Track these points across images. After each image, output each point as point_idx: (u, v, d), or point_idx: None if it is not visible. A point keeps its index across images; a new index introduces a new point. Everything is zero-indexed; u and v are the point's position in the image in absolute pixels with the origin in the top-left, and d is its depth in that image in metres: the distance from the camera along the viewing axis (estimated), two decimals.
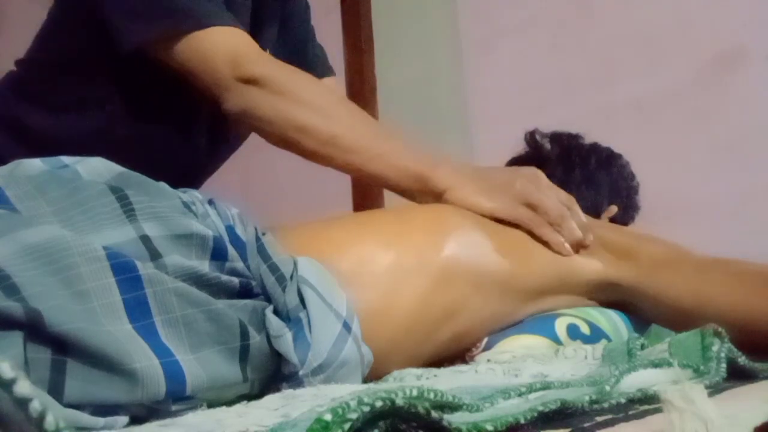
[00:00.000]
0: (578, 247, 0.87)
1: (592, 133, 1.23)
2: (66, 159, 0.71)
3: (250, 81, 0.92)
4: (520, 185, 0.88)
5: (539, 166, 1.08)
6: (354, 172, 0.94)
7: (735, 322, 0.63)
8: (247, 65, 0.93)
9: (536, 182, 0.89)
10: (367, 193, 2.10)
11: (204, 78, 0.94)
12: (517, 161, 1.19)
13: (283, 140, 0.94)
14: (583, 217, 0.89)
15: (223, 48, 0.94)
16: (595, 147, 1.21)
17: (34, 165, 0.70)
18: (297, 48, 1.24)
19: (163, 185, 0.72)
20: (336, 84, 1.30)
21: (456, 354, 0.84)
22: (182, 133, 1.05)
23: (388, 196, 1.00)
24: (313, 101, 0.93)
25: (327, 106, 0.94)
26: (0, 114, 1.07)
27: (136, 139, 1.03)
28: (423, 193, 0.90)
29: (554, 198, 0.88)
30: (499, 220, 0.87)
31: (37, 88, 1.06)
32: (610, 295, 0.88)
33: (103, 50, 0.97)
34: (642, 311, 0.87)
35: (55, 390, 0.53)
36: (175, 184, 0.74)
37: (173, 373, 0.57)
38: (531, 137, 1.23)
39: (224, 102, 0.94)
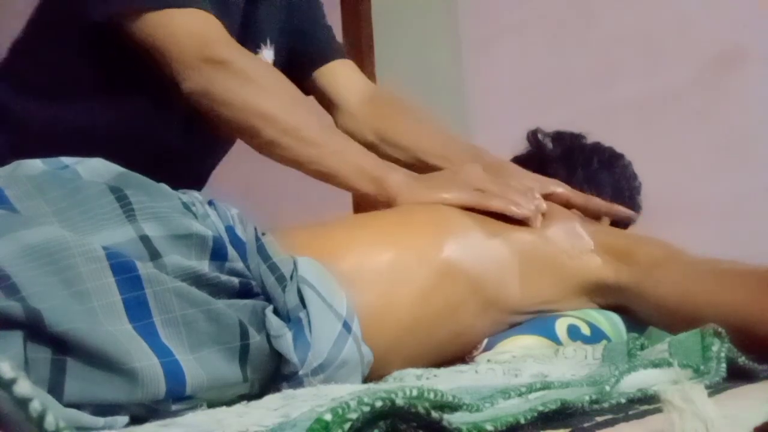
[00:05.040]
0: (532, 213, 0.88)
1: (592, 133, 1.22)
2: (66, 159, 0.72)
3: (215, 62, 0.91)
4: (463, 176, 0.91)
5: (541, 166, 1.08)
6: (310, 165, 0.92)
7: (717, 321, 0.63)
8: (215, 47, 0.92)
9: (476, 172, 0.92)
10: (367, 196, 2.10)
11: (169, 56, 0.92)
12: (518, 160, 1.19)
13: (242, 126, 0.93)
14: (517, 194, 0.90)
15: (192, 28, 0.93)
16: (597, 147, 1.21)
17: (35, 165, 0.70)
18: (303, 32, 1.21)
19: (163, 186, 0.72)
20: (349, 66, 1.24)
21: (456, 356, 0.84)
22: (157, 115, 1.03)
23: None
24: (277, 91, 0.93)
25: (289, 98, 0.94)
26: None
27: (112, 125, 1.02)
28: (377, 196, 0.92)
29: (494, 183, 0.91)
30: (501, 222, 0.87)
31: (20, 72, 1.06)
32: (610, 299, 0.88)
33: (79, 28, 0.97)
34: (637, 313, 0.87)
35: (55, 390, 0.53)
36: (162, 179, 0.74)
37: (173, 372, 0.57)
38: (533, 136, 1.23)
39: (185, 81, 0.92)
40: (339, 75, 1.21)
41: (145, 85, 0.99)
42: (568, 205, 0.98)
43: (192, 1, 0.94)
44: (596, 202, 1.00)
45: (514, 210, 0.87)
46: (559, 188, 0.99)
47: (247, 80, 0.92)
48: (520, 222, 0.88)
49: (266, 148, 0.93)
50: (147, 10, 0.92)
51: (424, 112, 1.18)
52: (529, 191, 0.91)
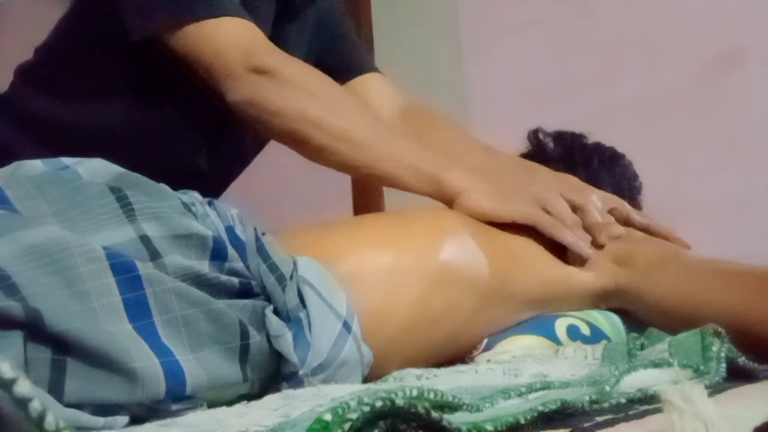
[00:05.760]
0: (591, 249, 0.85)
1: (592, 133, 1.23)
2: (66, 160, 0.72)
3: (261, 71, 0.90)
4: (536, 189, 0.87)
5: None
6: (363, 170, 0.89)
7: (716, 321, 0.63)
8: (259, 55, 0.91)
9: (551, 186, 0.88)
10: (367, 197, 2.10)
11: (213, 67, 0.91)
12: None
13: (291, 134, 0.90)
14: (598, 217, 0.88)
15: (235, 38, 0.92)
16: (598, 147, 1.21)
17: (35, 166, 0.70)
18: (330, 48, 1.18)
19: (163, 186, 0.72)
20: (379, 80, 1.19)
21: (456, 356, 0.84)
22: (184, 130, 1.04)
23: (389, 199, 0.99)
24: (325, 96, 0.91)
25: (338, 102, 0.92)
26: (7, 102, 1.06)
27: (138, 132, 1.01)
28: (435, 196, 0.88)
29: (567, 206, 0.87)
30: (502, 226, 0.86)
31: (47, 75, 1.05)
32: (610, 303, 0.88)
33: (113, 38, 0.96)
34: (637, 314, 0.87)
35: (55, 390, 0.53)
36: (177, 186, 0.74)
37: (173, 372, 0.57)
38: (534, 136, 1.23)
39: (231, 92, 0.91)
40: (369, 89, 1.17)
41: (176, 93, 0.98)
42: (626, 223, 0.93)
43: (230, 10, 0.92)
44: (657, 227, 0.93)
45: (576, 250, 0.84)
46: (620, 205, 0.94)
47: (294, 87, 0.90)
48: (561, 248, 0.85)
49: (317, 154, 0.90)
50: (187, 22, 0.91)
51: (460, 124, 1.13)
52: (604, 232, 0.87)
